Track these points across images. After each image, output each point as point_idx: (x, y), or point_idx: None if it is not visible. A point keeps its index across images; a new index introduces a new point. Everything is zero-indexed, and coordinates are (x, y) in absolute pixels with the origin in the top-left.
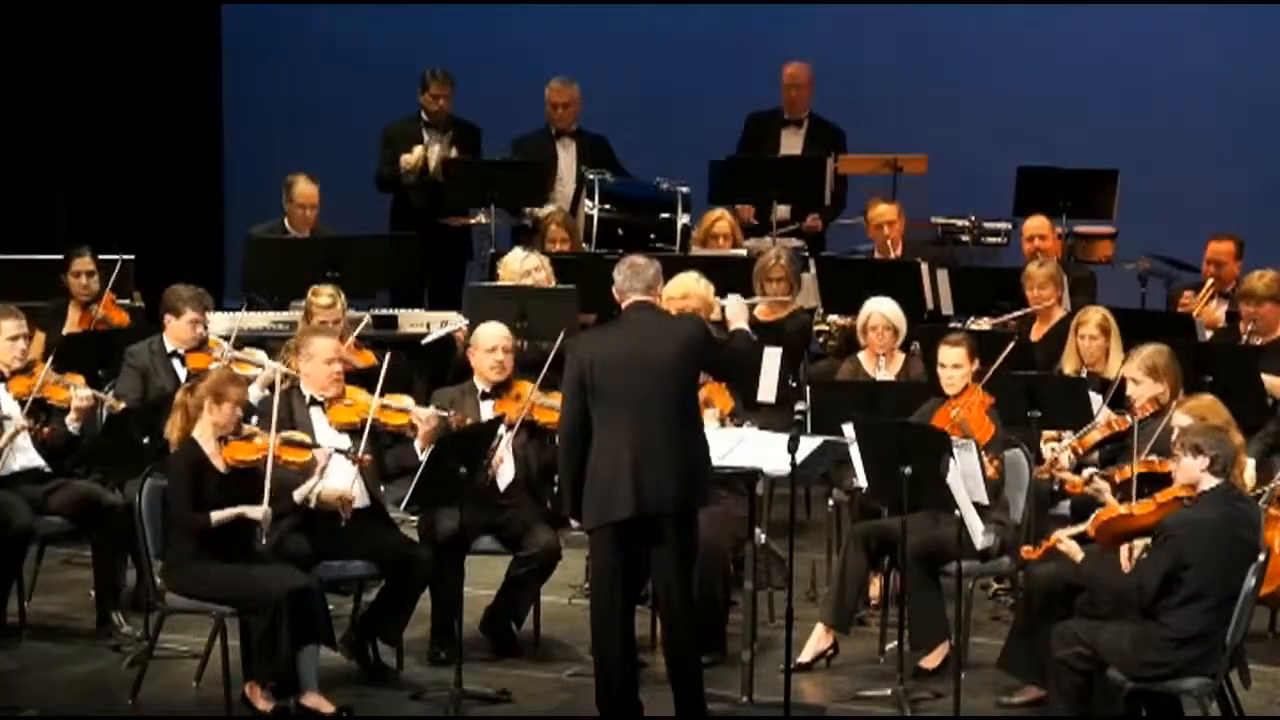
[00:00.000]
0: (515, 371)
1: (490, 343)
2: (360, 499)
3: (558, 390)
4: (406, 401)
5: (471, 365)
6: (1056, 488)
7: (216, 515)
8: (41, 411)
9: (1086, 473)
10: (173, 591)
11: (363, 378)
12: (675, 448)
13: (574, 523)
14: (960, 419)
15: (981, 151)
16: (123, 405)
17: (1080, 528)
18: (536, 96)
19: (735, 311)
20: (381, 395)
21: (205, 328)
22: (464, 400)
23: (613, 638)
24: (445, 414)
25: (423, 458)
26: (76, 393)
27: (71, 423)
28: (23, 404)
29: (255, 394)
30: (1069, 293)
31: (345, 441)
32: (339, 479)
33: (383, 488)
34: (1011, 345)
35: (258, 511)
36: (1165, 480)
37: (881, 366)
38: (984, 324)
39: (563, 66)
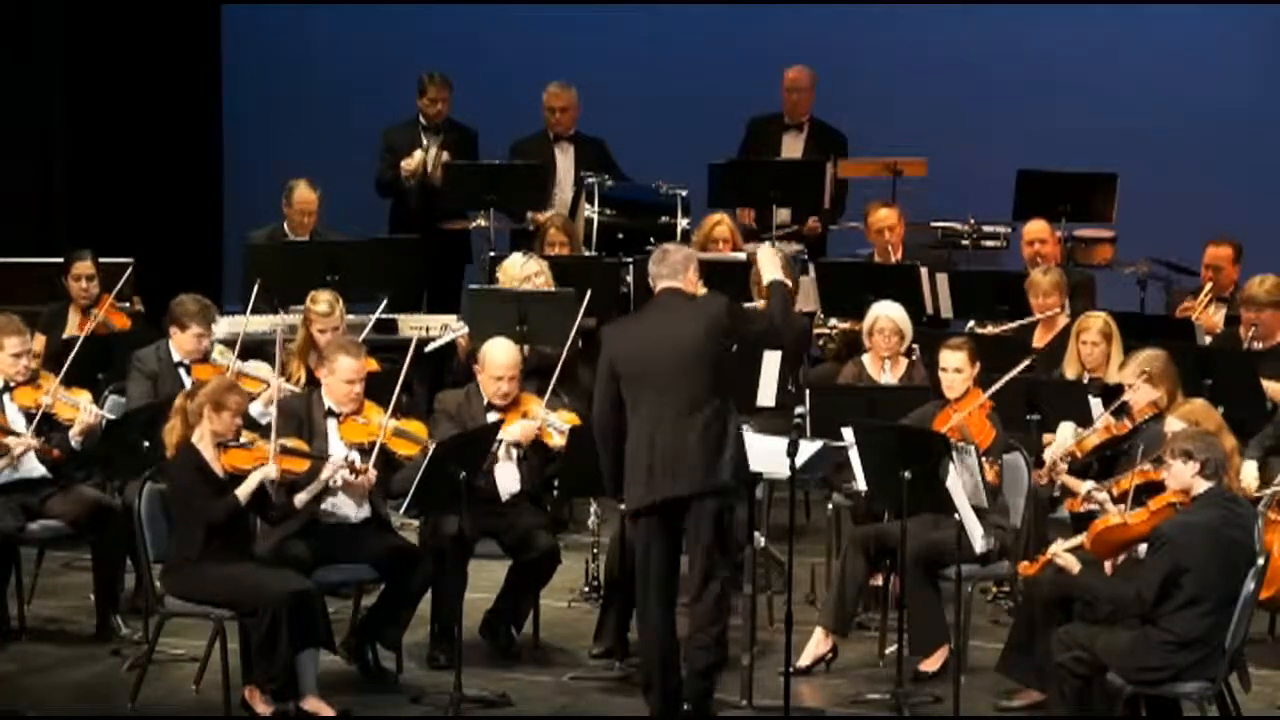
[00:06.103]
0: (520, 383)
1: (497, 370)
2: (361, 510)
3: (564, 407)
4: (418, 430)
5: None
6: (1057, 493)
7: (241, 491)
8: (45, 424)
9: (1084, 489)
10: (172, 595)
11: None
12: (701, 428)
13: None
14: (960, 424)
15: (981, 155)
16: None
17: (1077, 540)
18: (536, 100)
19: (766, 260)
20: (394, 415)
21: (210, 341)
22: (468, 404)
23: (650, 619)
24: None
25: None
26: (85, 406)
27: (74, 437)
28: (30, 417)
29: (257, 409)
30: (1069, 297)
31: (353, 455)
32: (342, 491)
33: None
34: (1027, 363)
35: (273, 470)
36: (1162, 488)
37: (886, 370)
38: (987, 329)
39: (562, 69)
